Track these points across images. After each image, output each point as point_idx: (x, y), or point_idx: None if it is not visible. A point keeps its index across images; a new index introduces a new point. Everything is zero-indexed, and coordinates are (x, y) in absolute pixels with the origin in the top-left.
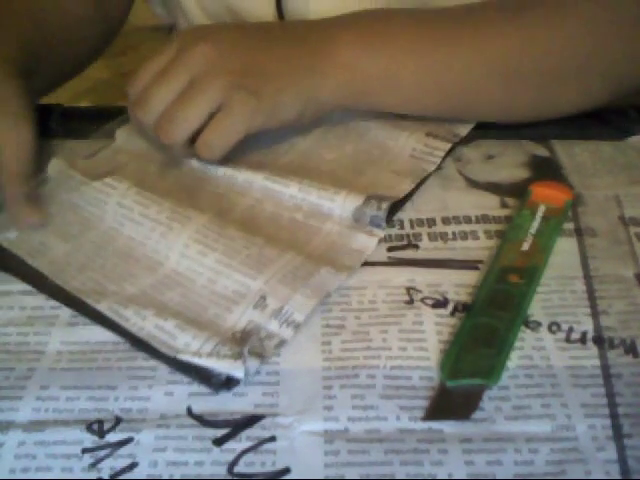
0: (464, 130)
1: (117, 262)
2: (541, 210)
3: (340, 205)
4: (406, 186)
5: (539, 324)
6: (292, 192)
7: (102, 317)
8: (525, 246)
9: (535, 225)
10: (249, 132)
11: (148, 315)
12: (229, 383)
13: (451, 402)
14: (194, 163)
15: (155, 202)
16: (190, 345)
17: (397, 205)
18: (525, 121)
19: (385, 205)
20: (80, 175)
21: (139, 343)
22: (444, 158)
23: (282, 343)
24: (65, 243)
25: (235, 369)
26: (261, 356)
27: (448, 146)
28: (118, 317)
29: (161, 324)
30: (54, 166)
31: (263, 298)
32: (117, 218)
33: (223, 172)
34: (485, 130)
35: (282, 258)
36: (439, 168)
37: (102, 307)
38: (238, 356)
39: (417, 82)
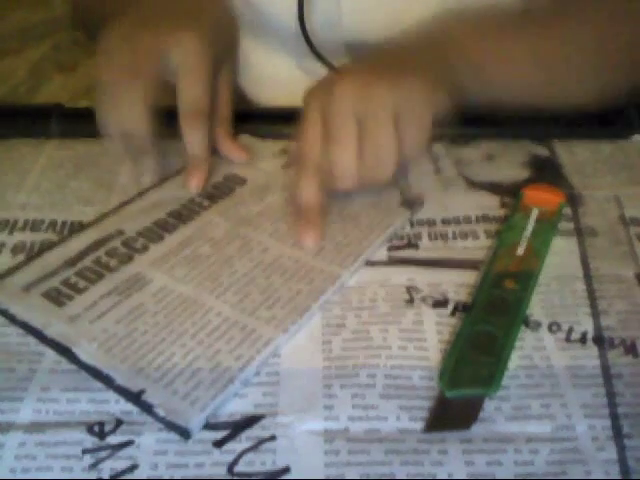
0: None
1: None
2: (534, 214)
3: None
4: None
5: (539, 324)
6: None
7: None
8: (520, 250)
9: (529, 229)
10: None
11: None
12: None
13: (451, 413)
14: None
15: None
16: None
17: None
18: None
19: None
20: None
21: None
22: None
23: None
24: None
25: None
26: None
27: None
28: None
29: None
30: None
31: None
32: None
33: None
34: (485, 130)
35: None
36: (439, 169)
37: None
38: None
39: (525, 59)
